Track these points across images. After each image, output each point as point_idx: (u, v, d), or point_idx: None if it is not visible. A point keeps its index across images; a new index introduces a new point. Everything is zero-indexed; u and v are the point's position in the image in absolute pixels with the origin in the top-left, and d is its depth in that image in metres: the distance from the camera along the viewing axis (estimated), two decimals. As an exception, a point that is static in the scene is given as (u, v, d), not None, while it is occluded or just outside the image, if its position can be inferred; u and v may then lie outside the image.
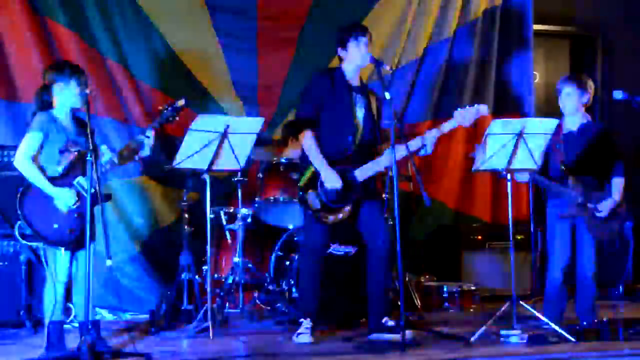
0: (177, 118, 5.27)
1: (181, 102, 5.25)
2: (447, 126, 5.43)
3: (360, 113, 5.58)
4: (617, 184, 5.88)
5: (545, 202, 5.97)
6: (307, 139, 5.47)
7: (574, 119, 5.92)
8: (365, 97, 5.64)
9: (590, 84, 5.94)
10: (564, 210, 5.80)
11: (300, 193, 5.46)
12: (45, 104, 4.92)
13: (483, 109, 5.41)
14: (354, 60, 5.54)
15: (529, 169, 5.57)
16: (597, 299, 5.88)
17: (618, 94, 5.79)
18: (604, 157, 5.89)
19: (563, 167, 5.80)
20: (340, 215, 5.45)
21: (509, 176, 5.53)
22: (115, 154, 5.04)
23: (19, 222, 4.75)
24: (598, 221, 5.79)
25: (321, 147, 5.46)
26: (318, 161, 5.42)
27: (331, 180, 5.38)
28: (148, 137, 5.07)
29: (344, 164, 5.46)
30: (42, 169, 4.81)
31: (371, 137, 5.62)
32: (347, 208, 5.45)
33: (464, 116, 5.37)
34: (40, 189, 4.75)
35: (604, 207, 5.78)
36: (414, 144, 5.38)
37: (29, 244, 4.90)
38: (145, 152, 5.09)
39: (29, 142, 4.82)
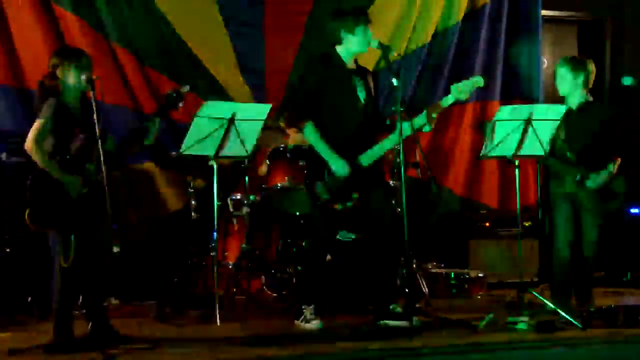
0: (182, 104, 5.23)
1: (186, 88, 5.20)
2: (446, 101, 5.41)
3: (361, 96, 5.53)
4: (613, 161, 5.84)
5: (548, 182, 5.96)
6: (310, 130, 5.40)
7: (573, 98, 5.88)
8: (364, 79, 5.59)
9: (589, 65, 5.87)
10: (565, 189, 5.78)
11: (307, 182, 5.44)
12: (50, 90, 4.90)
13: (479, 80, 5.39)
14: (359, 45, 5.45)
15: (537, 156, 5.55)
16: (604, 286, 5.87)
17: (627, 80, 5.76)
18: (603, 136, 5.86)
19: (565, 145, 5.77)
20: (349, 204, 5.43)
21: (517, 163, 5.51)
22: (123, 141, 5.03)
23: (28, 208, 4.75)
24: (596, 201, 5.75)
25: (324, 133, 5.40)
26: (324, 151, 5.36)
27: (340, 168, 5.35)
28: (154, 123, 5.05)
29: (347, 149, 5.41)
30: (51, 155, 4.80)
31: (373, 120, 5.58)
32: (355, 195, 5.43)
33: (460, 90, 5.35)
34: (50, 175, 4.74)
35: (596, 178, 5.71)
36: (418, 121, 5.36)
37: (38, 230, 4.88)
38: (150, 139, 5.04)
39: (40, 128, 4.78)
